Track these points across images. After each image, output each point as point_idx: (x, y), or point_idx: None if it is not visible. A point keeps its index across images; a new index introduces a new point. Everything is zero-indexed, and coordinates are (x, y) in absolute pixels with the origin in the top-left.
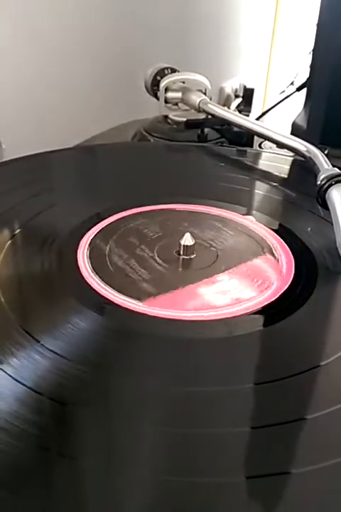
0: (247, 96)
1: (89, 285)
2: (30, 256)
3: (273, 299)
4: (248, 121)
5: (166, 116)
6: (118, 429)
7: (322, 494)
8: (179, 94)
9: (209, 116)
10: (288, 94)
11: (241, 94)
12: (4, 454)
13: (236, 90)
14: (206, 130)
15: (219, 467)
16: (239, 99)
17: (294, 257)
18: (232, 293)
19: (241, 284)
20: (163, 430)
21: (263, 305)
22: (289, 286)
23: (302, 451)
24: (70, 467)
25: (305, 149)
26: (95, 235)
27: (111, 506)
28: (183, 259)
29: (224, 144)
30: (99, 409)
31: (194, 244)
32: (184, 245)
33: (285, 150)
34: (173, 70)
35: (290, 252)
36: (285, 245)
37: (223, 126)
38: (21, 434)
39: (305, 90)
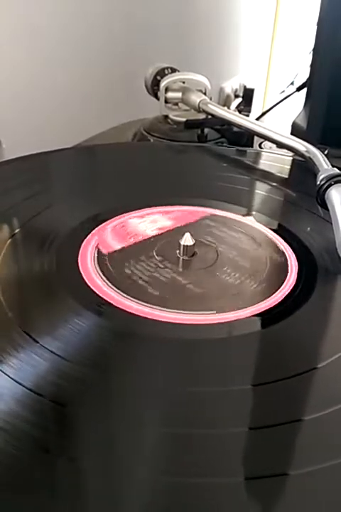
0: (247, 96)
1: (89, 286)
2: (30, 256)
3: (273, 301)
4: (248, 122)
5: (166, 116)
6: (118, 429)
7: (321, 495)
8: (179, 94)
9: (209, 117)
10: (288, 94)
11: (241, 94)
12: (3, 454)
13: (236, 90)
14: (206, 130)
15: (219, 468)
16: (239, 99)
17: (294, 258)
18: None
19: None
20: (163, 431)
21: (263, 306)
22: (289, 286)
23: (301, 453)
24: (70, 468)
25: (305, 149)
26: (95, 236)
27: (111, 507)
28: (183, 259)
29: (224, 144)
30: (98, 410)
31: (194, 244)
32: (184, 245)
33: (285, 150)
34: (173, 70)
35: (290, 253)
36: (285, 245)
37: (223, 126)
38: (20, 434)
39: (305, 90)
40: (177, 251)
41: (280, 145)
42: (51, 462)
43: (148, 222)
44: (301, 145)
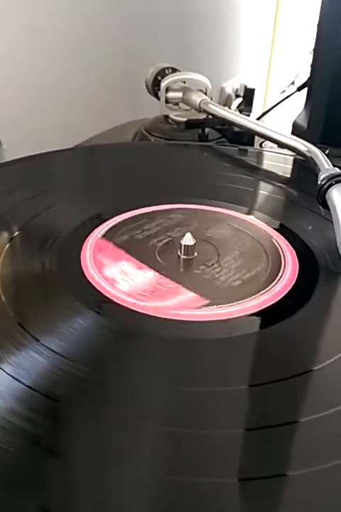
0: (248, 96)
1: (89, 285)
2: (31, 256)
3: (273, 301)
4: (248, 121)
5: (167, 116)
6: (117, 428)
7: (317, 497)
8: (180, 94)
9: (210, 116)
10: (289, 93)
11: (242, 94)
12: (2, 452)
13: (236, 90)
14: (207, 130)
15: (216, 468)
16: (240, 99)
17: (295, 257)
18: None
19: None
20: (161, 430)
21: (263, 306)
22: (290, 286)
23: (299, 454)
24: (68, 466)
25: (306, 149)
26: (95, 236)
27: (109, 505)
28: (184, 259)
29: (225, 144)
30: (97, 409)
31: (195, 244)
32: (185, 245)
33: (286, 150)
34: (174, 70)
35: (290, 252)
36: (286, 245)
37: (224, 126)
38: (20, 432)
39: (305, 90)
40: (178, 250)
41: (281, 145)
42: (49, 460)
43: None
44: (302, 145)
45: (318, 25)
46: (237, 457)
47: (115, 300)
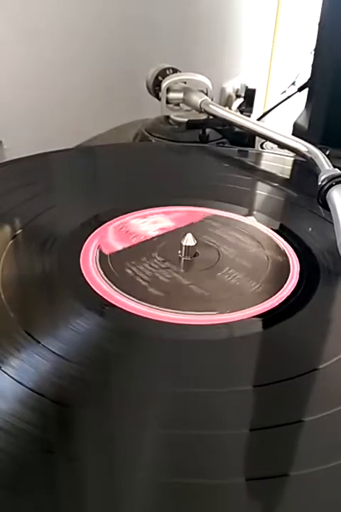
0: (249, 96)
1: (90, 286)
2: (32, 257)
3: (275, 302)
4: (249, 122)
5: (168, 117)
6: (119, 430)
7: (321, 496)
8: (180, 95)
9: (211, 117)
10: (290, 94)
11: (243, 95)
12: (4, 454)
13: (237, 90)
14: (207, 131)
15: (220, 469)
16: (241, 100)
17: (295, 258)
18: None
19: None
20: (163, 432)
21: (265, 307)
22: (291, 287)
23: (302, 454)
24: (71, 468)
25: (306, 150)
26: (96, 236)
27: (112, 507)
28: (185, 260)
29: (226, 145)
30: (99, 411)
31: (195, 244)
32: (186, 246)
33: (287, 150)
34: (175, 71)
35: (291, 253)
36: (287, 246)
37: (224, 126)
38: (22, 434)
39: (306, 90)
40: (179, 251)
41: (281, 145)
42: (52, 462)
43: (149, 223)
44: (302, 145)
45: (319, 26)
46: (240, 457)
47: (115, 302)
